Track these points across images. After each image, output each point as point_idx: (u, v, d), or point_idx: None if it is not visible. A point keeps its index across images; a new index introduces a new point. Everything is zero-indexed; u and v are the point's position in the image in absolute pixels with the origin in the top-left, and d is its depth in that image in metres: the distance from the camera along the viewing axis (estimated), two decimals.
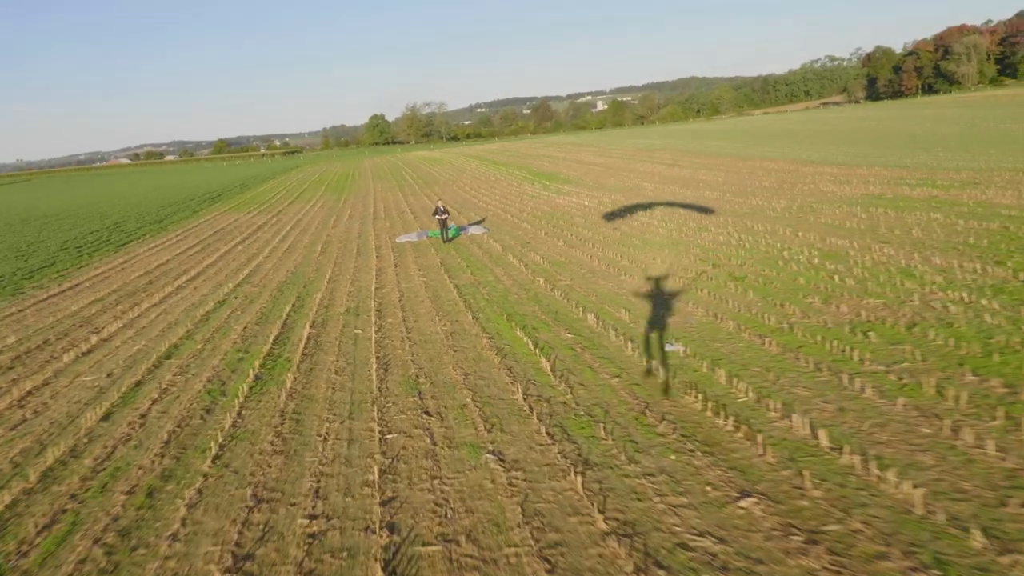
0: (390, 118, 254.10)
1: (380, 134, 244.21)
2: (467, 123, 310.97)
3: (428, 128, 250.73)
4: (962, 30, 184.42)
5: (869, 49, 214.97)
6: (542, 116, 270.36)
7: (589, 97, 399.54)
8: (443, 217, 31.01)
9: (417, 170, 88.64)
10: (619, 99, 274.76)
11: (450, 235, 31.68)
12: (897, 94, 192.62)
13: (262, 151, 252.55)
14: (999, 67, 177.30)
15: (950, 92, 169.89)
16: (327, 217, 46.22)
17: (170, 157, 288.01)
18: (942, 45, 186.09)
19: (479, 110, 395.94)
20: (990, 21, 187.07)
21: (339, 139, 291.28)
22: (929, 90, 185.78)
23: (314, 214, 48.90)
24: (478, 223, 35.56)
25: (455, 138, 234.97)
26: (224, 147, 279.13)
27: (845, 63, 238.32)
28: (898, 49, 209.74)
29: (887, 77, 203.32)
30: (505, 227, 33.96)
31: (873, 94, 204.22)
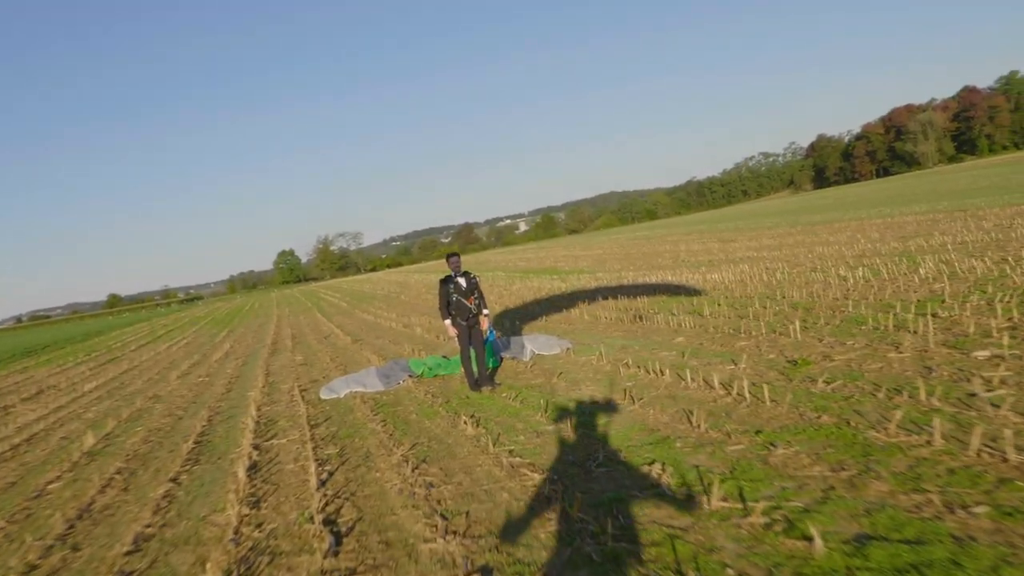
0: (301, 256, 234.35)
1: (290, 272, 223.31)
2: (384, 256, 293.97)
3: (343, 262, 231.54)
4: (910, 110, 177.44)
5: (804, 142, 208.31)
6: (465, 240, 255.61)
7: (509, 221, 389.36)
8: (471, 310, 10.85)
9: (339, 290, 68.10)
10: (547, 215, 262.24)
11: (490, 363, 11.99)
12: (850, 181, 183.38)
13: (156, 302, 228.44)
14: (956, 144, 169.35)
15: (909, 173, 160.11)
16: (185, 358, 25.34)
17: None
18: (893, 126, 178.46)
19: (394, 243, 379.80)
20: (934, 99, 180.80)
21: (246, 283, 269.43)
22: (885, 173, 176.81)
23: (168, 356, 27.91)
24: (537, 336, 14.07)
25: (373, 269, 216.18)
26: (117, 301, 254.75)
27: (781, 158, 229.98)
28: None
29: (836, 165, 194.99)
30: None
31: (823, 184, 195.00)
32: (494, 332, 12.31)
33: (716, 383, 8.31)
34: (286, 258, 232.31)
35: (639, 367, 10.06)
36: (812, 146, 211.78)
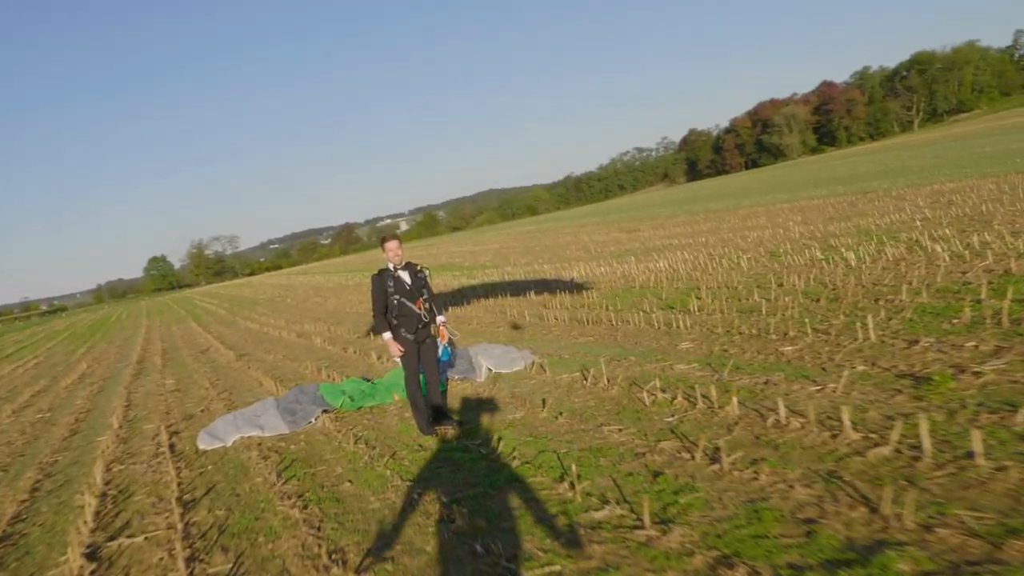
0: (175, 262, 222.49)
1: (163, 279, 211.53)
2: (262, 260, 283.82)
3: (220, 267, 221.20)
4: (774, 104, 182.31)
5: (675, 136, 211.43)
6: (346, 241, 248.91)
7: (389, 220, 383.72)
8: (421, 318, 7.53)
9: (216, 296, 62.84)
10: (429, 213, 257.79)
11: (442, 380, 8.79)
12: (721, 173, 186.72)
13: (15, 315, 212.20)
14: (817, 136, 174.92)
15: (775, 164, 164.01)
16: (29, 385, 21.02)
17: None
18: (759, 120, 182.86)
19: (273, 246, 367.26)
20: (795, 94, 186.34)
21: (115, 292, 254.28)
22: (753, 165, 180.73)
23: (8, 382, 23.37)
24: (490, 347, 10.78)
25: (252, 273, 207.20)
26: None
27: (654, 153, 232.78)
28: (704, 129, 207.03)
29: (708, 158, 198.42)
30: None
31: (696, 176, 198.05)
32: (449, 348, 9.06)
33: (818, 418, 5.47)
34: (157, 264, 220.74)
35: (663, 390, 7.12)
36: (684, 140, 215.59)
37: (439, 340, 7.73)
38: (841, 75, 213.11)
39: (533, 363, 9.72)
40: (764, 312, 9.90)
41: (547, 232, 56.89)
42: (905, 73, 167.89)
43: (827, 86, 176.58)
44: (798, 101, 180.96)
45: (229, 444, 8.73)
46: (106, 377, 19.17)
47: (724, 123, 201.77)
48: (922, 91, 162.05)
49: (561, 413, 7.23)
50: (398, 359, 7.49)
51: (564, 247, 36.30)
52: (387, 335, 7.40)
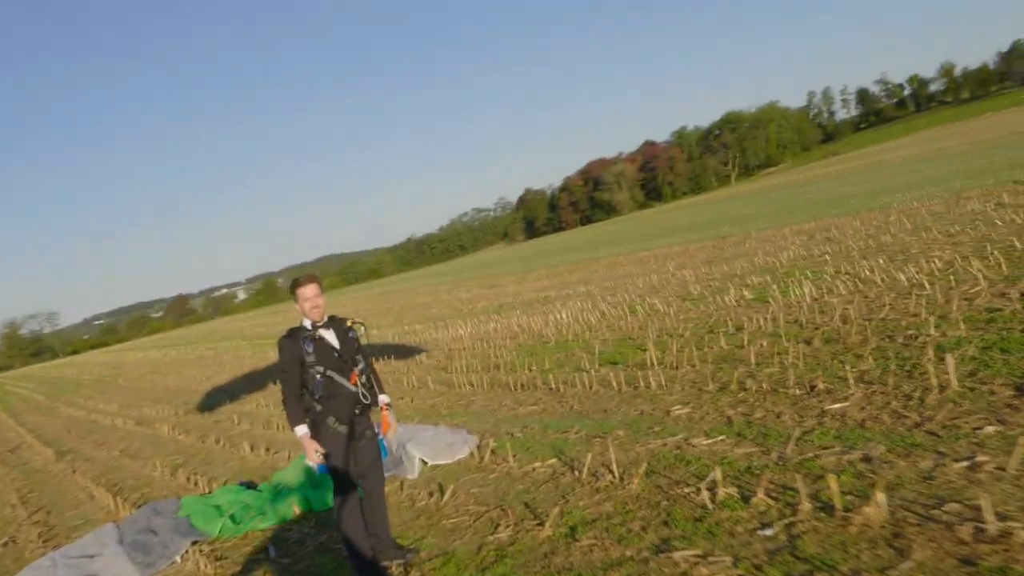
0: None
1: None
2: (86, 337, 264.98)
3: (37, 347, 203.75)
4: (604, 163, 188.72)
5: (511, 196, 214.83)
6: (179, 313, 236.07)
7: (226, 289, 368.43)
8: (357, 398, 5.05)
9: (32, 379, 56.08)
10: (268, 280, 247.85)
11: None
12: (558, 230, 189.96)
13: None
14: (645, 192, 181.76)
15: (607, 220, 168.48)
16: None
17: None
18: (591, 178, 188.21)
19: (97, 322, 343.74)
20: (621, 153, 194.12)
21: None
22: (588, 221, 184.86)
23: None
24: (419, 429, 8.40)
25: (75, 352, 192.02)
26: None
27: (492, 213, 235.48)
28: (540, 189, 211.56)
29: (544, 216, 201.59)
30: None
31: (534, 234, 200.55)
32: (386, 442, 6.41)
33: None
34: None
35: (686, 483, 4.98)
36: (520, 199, 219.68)
37: (381, 432, 5.30)
38: (661, 134, 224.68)
39: (478, 446, 7.37)
40: (754, 362, 7.98)
41: (399, 293, 54.45)
42: (719, 132, 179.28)
43: (649, 145, 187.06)
44: (625, 159, 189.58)
45: None
46: None
47: (558, 182, 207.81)
48: (735, 147, 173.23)
49: (574, 529, 4.92)
50: (318, 463, 4.99)
51: (425, 306, 34.06)
52: (301, 429, 4.88)
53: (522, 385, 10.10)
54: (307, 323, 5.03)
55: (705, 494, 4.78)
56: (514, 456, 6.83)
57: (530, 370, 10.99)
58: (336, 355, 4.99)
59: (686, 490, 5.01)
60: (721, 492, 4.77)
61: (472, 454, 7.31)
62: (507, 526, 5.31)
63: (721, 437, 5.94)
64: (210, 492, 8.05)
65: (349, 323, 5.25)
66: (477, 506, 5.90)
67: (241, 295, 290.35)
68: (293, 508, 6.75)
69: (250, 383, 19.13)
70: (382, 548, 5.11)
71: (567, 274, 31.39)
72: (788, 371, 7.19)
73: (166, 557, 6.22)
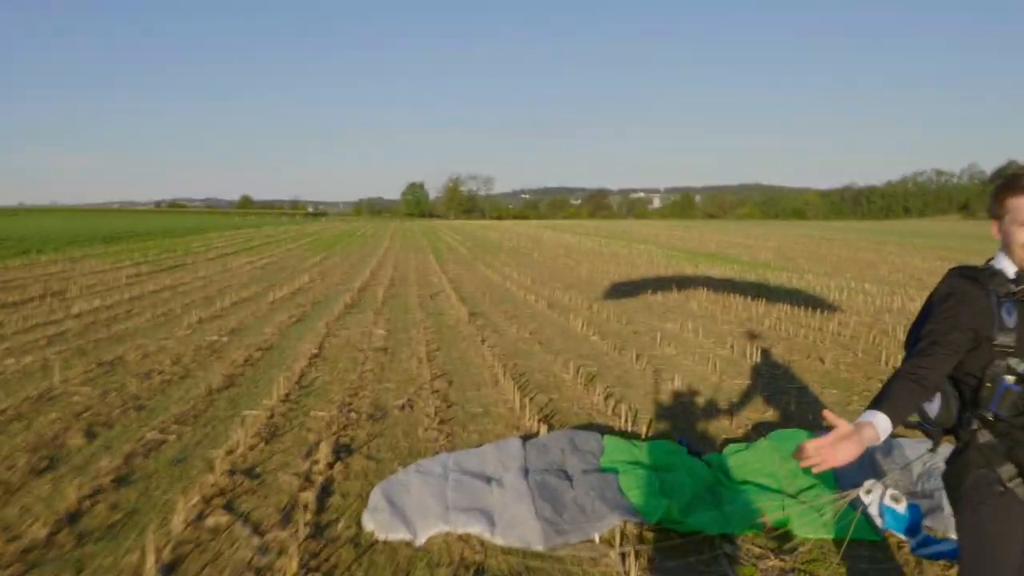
0: (431, 191, 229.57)
1: (417, 205, 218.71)
2: (511, 207, 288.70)
3: (470, 205, 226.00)
4: None
5: (985, 166, 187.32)
6: (596, 206, 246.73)
7: (643, 194, 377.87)
8: None
9: (461, 232, 60.83)
10: (685, 194, 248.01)
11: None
12: None
13: (283, 211, 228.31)
14: None
15: None
16: (239, 288, 18.30)
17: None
18: None
19: (523, 196, 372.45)
20: None
21: (373, 208, 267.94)
22: None
23: (225, 279, 20.98)
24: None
25: (499, 218, 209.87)
26: (249, 203, 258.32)
27: (956, 179, 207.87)
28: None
29: None
30: None
31: None
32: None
33: None
34: (414, 191, 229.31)
35: None
36: (998, 172, 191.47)
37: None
38: None
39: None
40: None
41: (832, 242, 49.43)
42: None
43: None
44: None
45: (422, 543, 4.29)
46: (316, 302, 15.78)
47: None
48: None
49: None
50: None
51: (871, 265, 29.78)
52: (879, 423, 2.31)
53: None
54: (1009, 269, 2.55)
55: None
56: None
57: None
58: None
59: None
60: None
61: None
62: None
63: None
64: (638, 437, 6.11)
65: None
66: None
67: (656, 202, 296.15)
68: (764, 517, 4.48)
69: (669, 298, 17.31)
70: None
71: None
72: None
73: (581, 531, 4.29)
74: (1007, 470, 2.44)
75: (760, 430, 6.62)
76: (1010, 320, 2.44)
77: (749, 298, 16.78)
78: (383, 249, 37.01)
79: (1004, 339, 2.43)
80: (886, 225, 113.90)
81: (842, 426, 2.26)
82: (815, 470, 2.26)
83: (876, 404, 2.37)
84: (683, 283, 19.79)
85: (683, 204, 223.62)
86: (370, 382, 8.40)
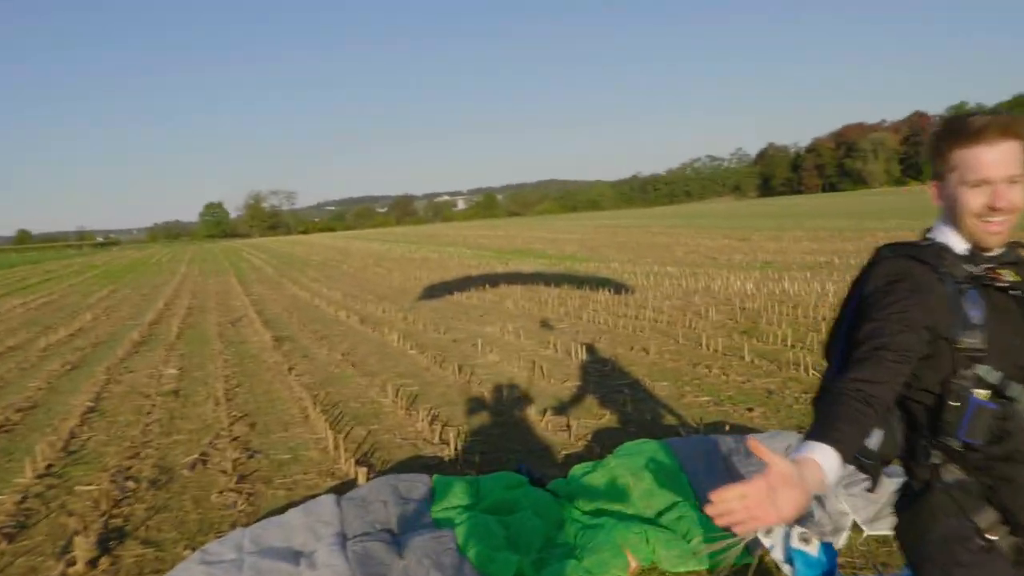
0: (231, 210, 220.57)
1: (217, 226, 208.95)
2: (317, 220, 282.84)
3: (275, 221, 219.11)
4: (862, 128, 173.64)
5: (751, 149, 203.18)
6: (402, 212, 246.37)
7: (447, 197, 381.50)
8: None
9: (266, 250, 58.03)
10: (488, 195, 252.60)
11: None
12: (796, 192, 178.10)
13: (68, 243, 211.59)
14: (903, 167, 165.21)
15: (855, 191, 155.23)
16: (7, 336, 16.10)
17: None
18: (844, 142, 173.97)
19: (329, 207, 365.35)
20: (884, 120, 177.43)
21: (170, 232, 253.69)
22: (831, 188, 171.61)
23: None
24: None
25: (305, 232, 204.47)
26: (27, 238, 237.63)
27: (726, 163, 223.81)
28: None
29: (784, 175, 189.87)
30: None
31: (768, 193, 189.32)
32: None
33: None
34: (213, 211, 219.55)
35: None
36: (761, 154, 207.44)
37: None
38: (935, 107, 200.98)
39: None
40: None
41: (629, 229, 51.14)
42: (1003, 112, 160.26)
43: (919, 116, 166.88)
44: (888, 128, 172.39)
45: None
46: (98, 343, 14.05)
47: (805, 141, 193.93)
48: None
49: None
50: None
51: (667, 248, 30.84)
52: (819, 455, 1.63)
53: None
54: (957, 244, 2.00)
55: None
56: None
57: None
58: None
59: None
60: None
61: None
62: None
63: None
64: (472, 467, 5.43)
65: None
66: None
67: (461, 204, 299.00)
68: (628, 557, 3.90)
69: (484, 299, 16.85)
70: None
71: (835, 241, 27.31)
72: None
73: None
74: (986, 518, 1.89)
75: (601, 439, 6.16)
76: (975, 314, 1.86)
77: (563, 291, 16.63)
78: (180, 276, 34.42)
79: (970, 340, 1.85)
80: (672, 209, 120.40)
81: (778, 465, 1.52)
82: (740, 531, 1.52)
83: (818, 434, 1.69)
84: (495, 281, 19.46)
85: (487, 204, 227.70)
86: (155, 436, 7.26)
